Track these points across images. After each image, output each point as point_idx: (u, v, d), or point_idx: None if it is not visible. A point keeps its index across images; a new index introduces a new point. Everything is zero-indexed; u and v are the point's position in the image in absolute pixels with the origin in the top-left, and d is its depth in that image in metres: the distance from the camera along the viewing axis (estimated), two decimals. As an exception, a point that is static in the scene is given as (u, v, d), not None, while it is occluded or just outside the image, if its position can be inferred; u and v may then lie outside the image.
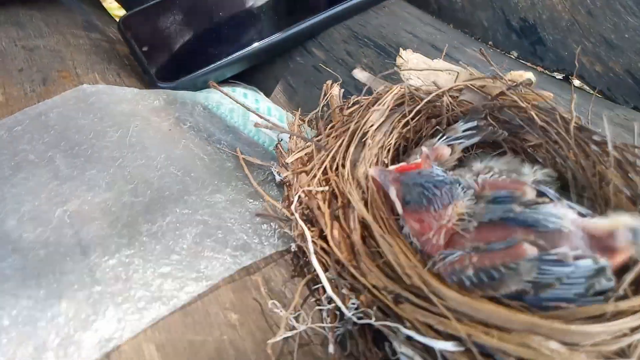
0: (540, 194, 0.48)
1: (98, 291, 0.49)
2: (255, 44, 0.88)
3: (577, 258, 0.42)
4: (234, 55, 0.86)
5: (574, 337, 0.41)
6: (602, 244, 0.44)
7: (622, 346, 0.42)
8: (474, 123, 0.57)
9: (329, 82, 0.71)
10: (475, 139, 0.58)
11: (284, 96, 0.92)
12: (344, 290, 0.49)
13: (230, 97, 0.59)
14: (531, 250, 0.43)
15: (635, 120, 0.83)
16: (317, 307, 0.51)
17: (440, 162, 0.57)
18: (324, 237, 0.53)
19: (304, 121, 0.66)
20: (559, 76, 1.01)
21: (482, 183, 0.50)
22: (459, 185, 0.49)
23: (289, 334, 0.47)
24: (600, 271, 0.42)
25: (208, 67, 0.85)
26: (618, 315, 0.43)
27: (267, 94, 0.94)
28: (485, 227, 0.47)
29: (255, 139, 0.72)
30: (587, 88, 0.96)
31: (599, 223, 0.45)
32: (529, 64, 1.02)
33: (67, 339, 0.46)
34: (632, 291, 0.45)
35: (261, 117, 0.61)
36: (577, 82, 0.99)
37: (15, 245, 0.52)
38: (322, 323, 0.50)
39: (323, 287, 0.50)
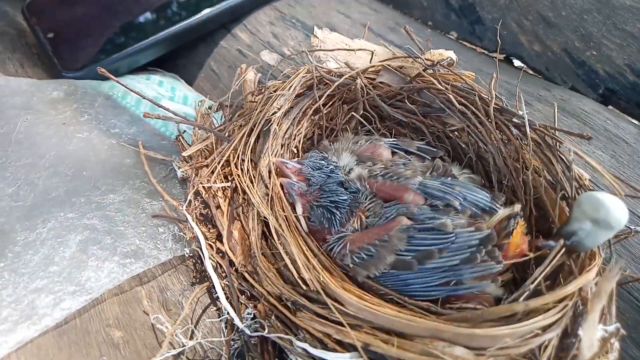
0: (427, 200, 0.45)
1: (-44, 312, 0.43)
2: (170, 28, 0.81)
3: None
4: (146, 41, 0.79)
5: (480, 341, 0.37)
6: None
7: (532, 347, 0.38)
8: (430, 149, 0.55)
9: (243, 65, 0.65)
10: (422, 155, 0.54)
11: (208, 83, 0.85)
12: (242, 299, 0.44)
13: (123, 85, 0.52)
14: (405, 222, 0.42)
15: (571, 101, 0.80)
16: (214, 319, 0.46)
17: (375, 158, 0.53)
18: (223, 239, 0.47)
19: (212, 110, 0.60)
20: (500, 56, 0.97)
21: (372, 186, 0.48)
22: (360, 194, 0.48)
23: (174, 352, 0.42)
24: (485, 240, 0.40)
25: (118, 54, 0.78)
26: (530, 314, 0.39)
27: (190, 81, 0.87)
28: None
29: (162, 131, 0.65)
30: (528, 69, 0.93)
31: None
32: (468, 44, 0.98)
33: None
34: (547, 287, 0.42)
35: (159, 105, 0.55)
36: (517, 63, 0.96)
37: None
38: (220, 336, 0.45)
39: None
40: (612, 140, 0.72)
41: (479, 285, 0.40)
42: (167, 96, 0.74)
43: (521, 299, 0.39)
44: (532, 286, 0.40)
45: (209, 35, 0.88)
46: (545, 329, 0.39)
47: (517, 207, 0.44)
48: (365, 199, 0.47)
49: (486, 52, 0.95)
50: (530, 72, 0.92)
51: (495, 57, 0.59)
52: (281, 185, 0.48)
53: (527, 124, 0.47)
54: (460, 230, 0.41)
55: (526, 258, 0.42)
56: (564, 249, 0.41)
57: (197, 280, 0.50)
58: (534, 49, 0.90)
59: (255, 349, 0.42)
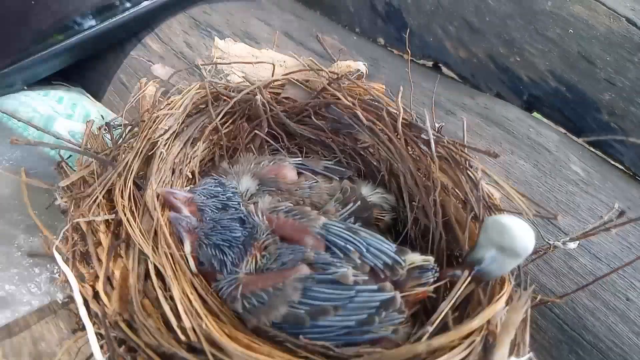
0: (328, 247, 0.41)
1: None
2: (74, 37, 0.74)
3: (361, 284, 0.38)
4: (46, 51, 0.72)
5: (378, 391, 0.34)
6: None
7: (437, 393, 0.35)
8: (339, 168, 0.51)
9: (143, 79, 0.59)
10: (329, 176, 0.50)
11: (117, 97, 0.79)
12: (121, 350, 0.39)
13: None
14: (305, 270, 0.38)
15: (495, 109, 0.79)
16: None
17: (280, 180, 0.48)
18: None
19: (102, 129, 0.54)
20: (429, 63, 0.96)
21: (272, 222, 0.43)
22: (256, 229, 0.43)
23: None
24: (388, 302, 0.37)
25: (13, 67, 0.71)
26: (435, 352, 0.36)
27: (99, 95, 0.81)
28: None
29: (51, 155, 0.59)
30: (455, 76, 0.92)
31: None
32: (395, 51, 0.96)
33: None
34: (455, 319, 0.39)
35: (36, 127, 0.48)
36: (445, 70, 0.94)
37: None
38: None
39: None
40: (534, 149, 0.71)
41: (379, 334, 0.37)
42: (65, 114, 0.67)
43: (424, 337, 0.36)
44: (437, 322, 0.37)
45: (119, 45, 0.81)
46: (452, 368, 0.36)
47: (431, 259, 0.41)
48: (262, 235, 0.42)
49: (413, 59, 0.93)
50: (457, 79, 0.91)
51: (406, 57, 0.55)
52: (169, 220, 0.43)
53: (431, 140, 0.44)
54: (361, 287, 0.38)
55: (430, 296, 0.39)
56: (469, 279, 0.38)
57: (79, 327, 0.44)
58: (460, 55, 0.89)
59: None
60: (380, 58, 0.87)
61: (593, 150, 0.76)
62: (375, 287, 0.38)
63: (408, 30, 0.89)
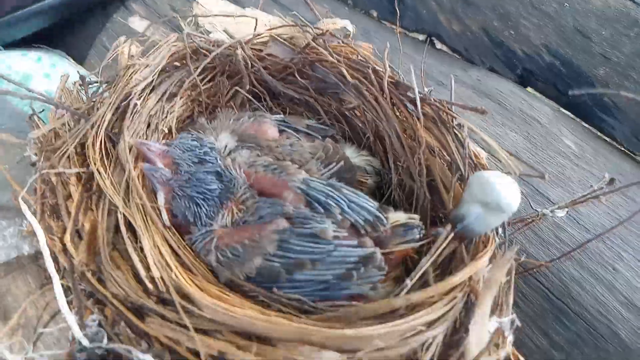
0: (309, 202, 0.39)
1: None
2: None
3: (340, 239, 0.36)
4: (21, 12, 0.70)
5: (353, 343, 0.32)
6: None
7: (413, 347, 0.33)
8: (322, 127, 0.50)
9: (122, 37, 0.57)
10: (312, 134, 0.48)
11: (99, 60, 0.76)
12: (89, 303, 0.37)
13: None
14: (283, 225, 0.37)
15: (487, 82, 0.77)
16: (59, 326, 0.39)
17: (260, 137, 0.46)
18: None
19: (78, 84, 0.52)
20: (421, 37, 0.94)
21: (250, 176, 0.42)
22: (233, 183, 0.41)
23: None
24: (368, 258, 0.36)
25: (-12, 25, 0.68)
26: (415, 308, 0.35)
27: (81, 58, 0.78)
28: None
29: (25, 110, 0.56)
30: (448, 50, 0.90)
31: None
32: (388, 24, 0.94)
33: None
34: (436, 277, 0.37)
35: (12, 82, 0.46)
36: (438, 45, 0.93)
37: None
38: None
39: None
40: (526, 122, 0.70)
41: (357, 291, 0.36)
42: (42, 73, 0.64)
43: (403, 292, 0.35)
44: (416, 277, 0.35)
45: (102, 7, 0.79)
46: (429, 325, 0.34)
47: (416, 217, 0.39)
48: (240, 189, 0.40)
49: (406, 31, 0.91)
50: (450, 52, 0.89)
51: (396, 29, 0.54)
52: (142, 172, 0.41)
53: (417, 97, 0.42)
54: (340, 242, 0.36)
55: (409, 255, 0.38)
56: (451, 236, 0.37)
57: (48, 281, 0.43)
58: (453, 29, 0.87)
59: (102, 361, 0.36)
60: (372, 30, 0.85)
61: (586, 125, 0.74)
62: (354, 242, 0.37)
63: (401, 3, 0.87)
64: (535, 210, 0.51)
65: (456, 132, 0.43)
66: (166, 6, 0.76)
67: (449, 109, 0.44)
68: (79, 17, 0.78)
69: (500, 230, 0.40)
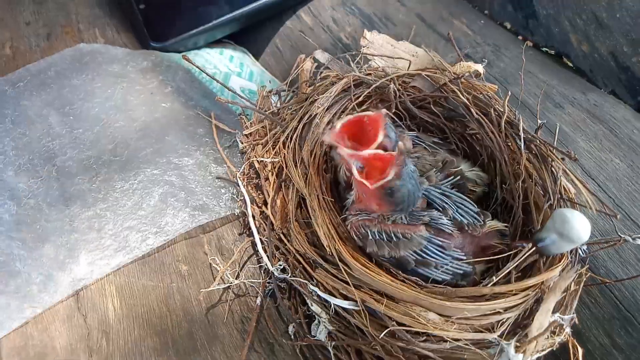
0: (429, 204, 0.55)
1: (75, 238, 0.60)
2: (246, 7, 0.92)
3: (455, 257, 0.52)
4: (224, 18, 0.91)
5: (449, 311, 0.49)
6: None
7: (491, 321, 0.49)
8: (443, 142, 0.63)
9: (302, 56, 0.76)
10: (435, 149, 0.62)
11: (272, 59, 0.97)
12: (277, 253, 0.58)
13: (200, 69, 0.64)
14: (425, 231, 0.53)
15: (604, 107, 0.84)
16: (255, 265, 0.60)
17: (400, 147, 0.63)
18: (267, 204, 0.61)
19: (271, 93, 0.72)
20: (551, 52, 1.01)
21: None
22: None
23: (223, 286, 0.57)
24: (465, 275, 0.52)
25: (199, 28, 0.91)
26: (498, 296, 0.50)
27: (257, 55, 0.99)
28: None
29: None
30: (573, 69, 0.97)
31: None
32: (520, 37, 1.02)
33: (47, 277, 0.56)
34: (516, 279, 0.52)
35: (228, 88, 0.67)
36: (565, 61, 0.99)
37: (12, 193, 0.63)
38: (259, 279, 0.59)
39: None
40: (633, 151, 0.77)
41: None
42: (235, 72, 0.86)
43: (489, 285, 0.50)
44: (501, 276, 0.50)
45: (278, 15, 0.98)
46: (506, 309, 0.50)
47: (508, 227, 0.55)
48: None
49: (537, 46, 0.99)
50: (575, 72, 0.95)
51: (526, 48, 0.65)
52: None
53: (522, 139, 0.56)
54: (455, 254, 0.52)
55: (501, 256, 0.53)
56: (532, 250, 0.51)
57: (247, 234, 0.64)
58: (582, 49, 0.93)
59: (283, 291, 0.56)
60: (502, 45, 0.95)
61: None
62: (463, 256, 0.53)
63: (534, 19, 0.95)
64: (619, 235, 0.62)
65: (553, 170, 0.56)
66: (329, 18, 0.93)
67: (549, 150, 0.56)
68: (260, 21, 0.98)
69: (574, 250, 0.53)
